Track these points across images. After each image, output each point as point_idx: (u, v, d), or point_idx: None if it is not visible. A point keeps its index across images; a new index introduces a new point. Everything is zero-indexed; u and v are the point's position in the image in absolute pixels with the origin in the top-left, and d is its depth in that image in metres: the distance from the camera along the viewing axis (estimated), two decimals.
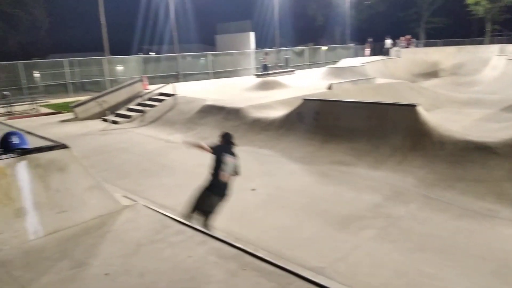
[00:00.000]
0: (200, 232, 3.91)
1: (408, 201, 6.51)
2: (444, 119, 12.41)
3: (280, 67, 28.62)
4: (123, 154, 10.41)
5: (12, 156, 4.00)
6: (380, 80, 18.06)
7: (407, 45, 32.09)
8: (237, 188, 7.40)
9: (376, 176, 7.70)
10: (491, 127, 11.28)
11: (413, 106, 8.73)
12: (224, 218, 6.12)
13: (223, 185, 5.30)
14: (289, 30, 47.63)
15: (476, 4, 40.39)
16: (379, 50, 34.38)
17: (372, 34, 37.12)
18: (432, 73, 26.33)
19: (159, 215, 4.38)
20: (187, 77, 25.93)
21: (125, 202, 4.74)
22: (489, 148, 7.12)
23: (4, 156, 3.95)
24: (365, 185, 7.32)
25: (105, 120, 15.09)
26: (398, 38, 31.45)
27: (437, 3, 47.21)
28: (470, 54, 27.09)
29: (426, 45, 39.42)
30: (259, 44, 40.19)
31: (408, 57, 28.41)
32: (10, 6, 35.29)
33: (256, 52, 30.82)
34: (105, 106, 16.27)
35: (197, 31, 46.61)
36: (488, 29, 42.86)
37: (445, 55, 28.13)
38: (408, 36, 33.80)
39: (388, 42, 30.77)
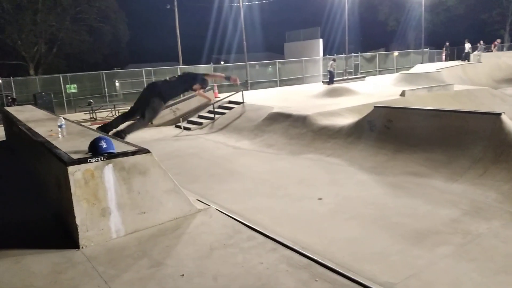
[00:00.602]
0: (270, 239, 3.97)
1: (491, 218, 6.00)
2: None
3: (349, 73, 28.07)
4: (194, 159, 10.90)
5: (100, 160, 4.38)
6: (458, 87, 16.94)
7: (493, 49, 29.97)
8: (303, 197, 7.43)
9: (454, 189, 7.22)
10: None
11: (497, 114, 8.06)
12: (290, 226, 6.14)
13: None
14: (359, 35, 46.73)
15: None
16: (457, 54, 32.30)
17: (449, 38, 35.00)
18: None
19: (231, 220, 4.53)
20: (255, 85, 26.48)
21: (199, 205, 4.96)
22: None
23: (93, 160, 4.34)
24: (442, 198, 6.89)
25: (178, 127, 15.92)
26: (478, 41, 29.27)
27: None
28: None
29: (511, 48, 36.21)
30: (328, 50, 39.86)
31: (489, 61, 26.34)
32: (97, 21, 38.78)
33: (324, 59, 30.55)
34: (178, 113, 17.18)
35: (265, 40, 47.48)
36: None
37: None
38: (499, 40, 31.70)
39: (467, 46, 28.77)
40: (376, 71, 31.90)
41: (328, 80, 22.39)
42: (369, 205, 6.86)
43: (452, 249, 5.16)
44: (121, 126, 7.22)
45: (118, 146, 4.91)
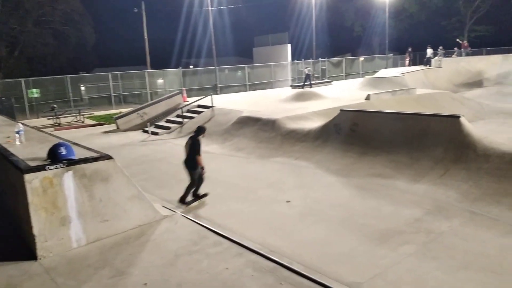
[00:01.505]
0: (237, 244, 3.94)
1: (451, 216, 6.23)
2: (489, 130, 11.84)
3: (317, 78, 28.54)
4: (162, 164, 10.71)
5: (59, 167, 4.22)
6: (420, 91, 17.54)
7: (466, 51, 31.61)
8: (273, 200, 7.45)
9: (417, 189, 7.44)
10: None
11: (456, 117, 8.40)
12: (260, 230, 6.13)
13: None
14: (326, 41, 47.57)
15: None
16: (419, 59, 33.51)
17: (412, 44, 36.27)
18: (476, 83, 25.29)
19: (197, 226, 4.47)
20: (224, 89, 26.41)
21: (164, 212, 4.86)
22: None
23: (52, 167, 4.17)
24: (405, 199, 7.09)
25: (145, 131, 15.62)
26: (438, 47, 30.49)
27: (481, 11, 45.53)
28: None
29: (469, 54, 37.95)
30: (296, 55, 40.36)
31: (450, 66, 27.49)
32: (62, 24, 37.58)
33: (292, 64, 30.91)
34: (146, 118, 16.85)
35: (234, 45, 47.53)
36: None
37: (489, 64, 26.98)
38: (466, 43, 33.28)
39: (429, 51, 29.90)
40: (343, 75, 32.61)
41: (302, 84, 22.62)
42: (336, 207, 6.96)
43: (415, 248, 5.30)
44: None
45: (79, 153, 4.74)
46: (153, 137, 14.88)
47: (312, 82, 23.27)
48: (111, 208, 4.44)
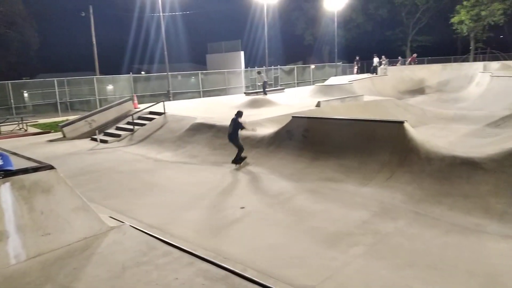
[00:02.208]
0: (187, 253, 3.87)
1: (397, 217, 6.52)
2: (431, 135, 12.60)
3: (270, 85, 28.97)
4: (111, 173, 10.32)
5: None
6: (367, 98, 18.30)
7: (412, 63, 33.37)
8: (227, 206, 7.42)
9: (365, 192, 7.73)
10: (477, 143, 11.46)
11: (400, 122, 8.85)
12: (213, 237, 6.07)
13: None
14: (279, 49, 48.42)
15: (460, 23, 41.60)
16: (366, 68, 34.99)
17: (360, 53, 37.84)
18: (418, 90, 26.80)
19: (146, 236, 4.33)
20: (177, 96, 26.04)
21: (112, 223, 4.68)
22: (475, 163, 7.21)
23: None
24: (354, 201, 7.33)
25: (94, 140, 15.00)
26: (384, 56, 32.03)
27: (421, 22, 48.57)
28: (455, 72, 27.71)
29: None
30: (251, 63, 40.76)
31: (394, 74, 28.95)
32: (2, 27, 35.35)
33: (246, 71, 31.13)
34: (94, 125, 16.19)
35: (188, 51, 47.02)
36: (472, 47, 44.06)
37: (430, 73, 28.73)
38: (414, 55, 35.23)
39: (375, 60, 31.34)
40: (295, 83, 33.33)
41: (262, 90, 22.59)
42: (289, 211, 7.06)
43: (364, 249, 5.49)
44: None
45: (18, 163, 4.46)
46: (102, 145, 14.32)
47: (266, 89, 23.53)
48: (54, 220, 4.19)
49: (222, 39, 38.71)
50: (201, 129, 13.03)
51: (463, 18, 40.88)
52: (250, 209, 7.24)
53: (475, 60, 39.93)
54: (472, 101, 20.73)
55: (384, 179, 8.02)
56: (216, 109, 17.10)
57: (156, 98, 22.79)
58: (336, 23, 37.21)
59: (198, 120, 13.70)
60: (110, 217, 5.08)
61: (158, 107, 16.30)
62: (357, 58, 35.45)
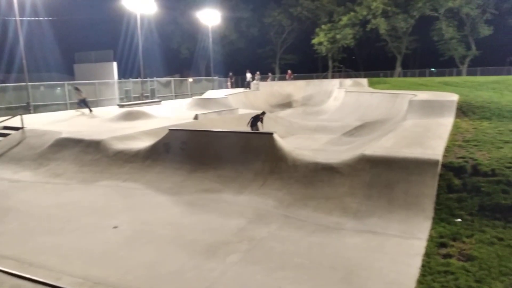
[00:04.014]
0: (42, 285, 3.47)
1: (270, 222, 6.94)
2: (297, 144, 13.79)
3: (146, 97, 28.11)
4: None
5: None
6: (242, 111, 19.14)
7: (288, 79, 36.01)
8: (98, 227, 6.93)
9: (241, 200, 8.05)
10: (336, 150, 12.92)
11: (270, 134, 9.51)
12: (82, 262, 5.60)
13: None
14: (156, 61, 47.27)
15: (320, 44, 46.85)
16: (241, 83, 36.59)
17: (236, 68, 39.45)
18: (287, 104, 29.11)
19: None
20: (40, 108, 23.35)
21: None
22: (334, 168, 8.14)
23: None
24: (231, 210, 7.57)
25: None
26: (255, 72, 33.96)
27: (288, 42, 53.11)
28: (316, 87, 30.95)
29: (281, 78, 43.74)
30: (125, 74, 38.85)
31: (266, 89, 30.93)
32: None
33: (119, 82, 29.63)
34: None
35: (56, 60, 42.33)
36: (330, 65, 49.87)
37: (296, 88, 31.53)
38: (290, 72, 37.87)
39: (248, 75, 33.01)
40: (172, 95, 32.94)
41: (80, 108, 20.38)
42: (166, 226, 6.92)
43: (240, 256, 5.70)
44: None
45: None
46: None
47: (141, 101, 22.71)
48: None
49: (94, 49, 36.21)
50: (67, 145, 11.91)
51: (322, 40, 46.17)
52: (124, 227, 6.89)
53: (333, 77, 45.27)
54: (331, 113, 23.38)
55: (258, 186, 8.48)
56: (85, 122, 15.87)
57: (13, 111, 20.02)
58: (211, 39, 38.13)
59: (64, 135, 12.50)
60: None
61: (15, 121, 14.37)
62: (230, 74, 36.92)
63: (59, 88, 26.45)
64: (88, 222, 7.25)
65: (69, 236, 6.62)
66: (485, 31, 40.56)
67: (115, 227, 6.85)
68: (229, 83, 36.06)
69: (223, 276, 5.14)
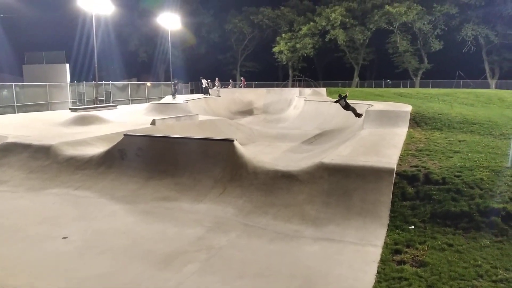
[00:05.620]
0: None
1: (229, 230, 6.83)
2: (258, 151, 13.83)
3: (101, 101, 27.14)
4: None
5: None
6: (202, 117, 18.96)
7: (243, 85, 35.81)
8: (46, 238, 6.52)
9: (199, 209, 7.88)
10: (295, 157, 13.07)
11: (231, 141, 9.43)
12: (27, 275, 5.23)
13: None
14: (112, 63, 45.84)
15: (280, 52, 47.59)
16: (201, 89, 36.16)
17: (195, 73, 38.95)
18: (248, 111, 29.25)
19: None
20: None
21: None
22: (293, 176, 8.19)
23: None
24: (189, 219, 7.39)
25: None
26: (218, 78, 33.71)
27: (249, 49, 53.46)
28: (277, 95, 31.36)
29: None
30: (80, 76, 37.33)
31: (227, 96, 30.93)
32: None
33: (72, 85, 28.39)
34: None
35: (7, 61, 39.75)
36: (290, 74, 50.74)
37: (257, 96, 31.78)
38: (243, 79, 37.75)
39: (204, 81, 32.56)
40: (129, 100, 32.05)
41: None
42: (120, 236, 6.63)
43: (198, 266, 5.55)
44: None
45: None
46: None
47: (96, 106, 21.91)
48: None
49: (45, 49, 34.52)
50: (13, 150, 11.19)
51: (282, 48, 46.93)
52: (75, 238, 6.53)
53: (293, 86, 46.12)
54: (291, 121, 23.72)
55: (217, 194, 8.35)
56: (34, 126, 15.03)
57: None
58: (170, 43, 37.56)
59: (10, 139, 11.75)
60: None
61: None
62: (176, 81, 32.83)
63: (5, 90, 24.96)
64: (36, 232, 6.80)
65: (15, 247, 6.18)
66: (436, 45, 43.23)
67: (64, 238, 6.46)
68: (173, 89, 30.77)
69: (179, 286, 4.98)
